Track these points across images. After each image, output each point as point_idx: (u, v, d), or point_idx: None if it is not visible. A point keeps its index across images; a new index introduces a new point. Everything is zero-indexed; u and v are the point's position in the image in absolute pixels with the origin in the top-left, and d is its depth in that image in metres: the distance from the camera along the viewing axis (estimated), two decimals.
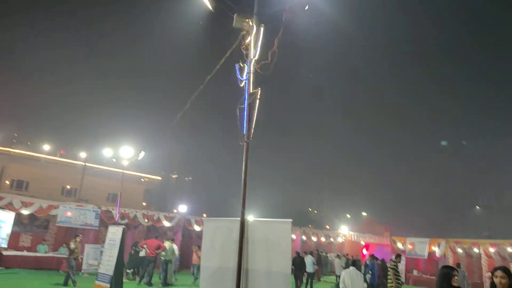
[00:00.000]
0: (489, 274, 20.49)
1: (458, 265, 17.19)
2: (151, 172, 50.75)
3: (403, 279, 22.82)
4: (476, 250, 23.47)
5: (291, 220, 4.30)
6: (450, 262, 24.01)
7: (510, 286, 3.98)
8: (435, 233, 33.58)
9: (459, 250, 24.17)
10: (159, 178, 53.61)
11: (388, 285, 11.52)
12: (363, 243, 30.22)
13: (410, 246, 26.34)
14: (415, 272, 25.61)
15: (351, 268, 9.50)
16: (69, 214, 17.87)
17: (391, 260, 12.15)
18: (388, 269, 11.66)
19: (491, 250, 22.49)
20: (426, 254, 24.73)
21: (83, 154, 35.54)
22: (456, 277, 4.45)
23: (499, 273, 4.03)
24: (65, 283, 13.23)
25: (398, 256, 12.60)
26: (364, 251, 28.93)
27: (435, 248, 24.92)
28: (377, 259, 12.40)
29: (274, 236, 4.33)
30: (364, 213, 66.39)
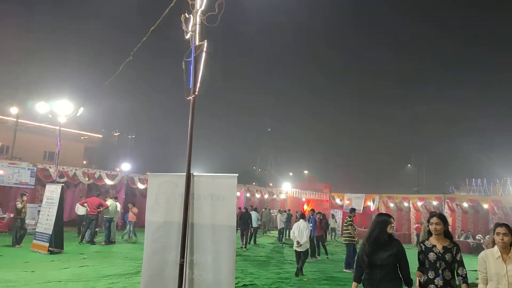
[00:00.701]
0: (417, 225, 22.37)
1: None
2: (92, 130, 48.62)
3: (340, 232, 24.36)
4: (406, 204, 25.43)
5: (237, 174, 4.36)
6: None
7: (445, 232, 4.17)
8: (370, 190, 35.78)
9: (391, 205, 26.06)
10: (100, 136, 51.57)
11: (345, 239, 12.09)
12: (304, 199, 31.58)
13: (347, 202, 27.99)
14: None
15: (301, 220, 10.56)
16: (1, 172, 16.85)
17: (348, 216, 12.73)
18: (346, 224, 12.24)
19: (419, 203, 24.48)
20: (361, 208, 26.42)
21: (14, 109, 33.09)
22: (392, 225, 4.36)
23: (434, 219, 4.15)
24: (18, 243, 12.81)
25: (353, 210, 13.29)
26: (305, 207, 30.30)
27: (370, 203, 26.71)
28: (302, 215, 13.10)
29: (219, 191, 4.37)
30: (306, 172, 69.01)
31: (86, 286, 7.82)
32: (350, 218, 12.36)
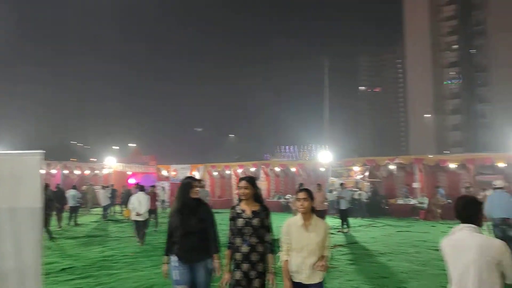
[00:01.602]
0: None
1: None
2: None
3: (168, 203, 24.56)
4: (228, 171, 27.20)
5: (42, 151, 3.89)
6: (207, 184, 27.22)
7: (255, 195, 3.96)
8: (196, 160, 36.95)
9: (215, 173, 27.53)
10: None
11: None
12: (130, 173, 30.59)
13: (174, 173, 28.31)
14: None
15: (140, 192, 11.17)
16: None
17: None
18: None
19: (239, 170, 26.50)
20: None
21: None
22: (196, 189, 4.13)
23: (242, 183, 3.95)
24: None
25: (200, 181, 13.39)
26: (131, 181, 29.41)
27: (195, 173, 27.60)
28: (141, 187, 12.91)
29: (20, 170, 3.85)
30: (131, 144, 66.61)
31: None
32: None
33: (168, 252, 4.11)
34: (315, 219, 3.67)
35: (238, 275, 3.80)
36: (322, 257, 3.59)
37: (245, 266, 3.80)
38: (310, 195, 3.69)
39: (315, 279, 3.59)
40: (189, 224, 4.01)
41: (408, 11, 66.91)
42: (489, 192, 12.59)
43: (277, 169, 25.78)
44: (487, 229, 8.14)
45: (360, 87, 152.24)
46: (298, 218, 3.68)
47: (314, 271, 3.56)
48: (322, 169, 23.43)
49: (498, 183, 8.51)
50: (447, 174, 21.81)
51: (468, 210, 2.77)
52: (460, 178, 21.34)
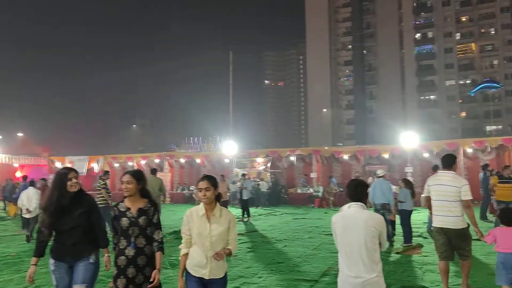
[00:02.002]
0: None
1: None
2: None
3: None
4: (130, 163, 26.13)
5: None
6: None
7: (142, 190, 3.65)
8: (95, 151, 34.85)
9: (116, 165, 26.28)
10: None
11: (100, 202, 11.37)
12: (16, 165, 27.74)
13: (69, 165, 26.27)
14: None
15: (30, 188, 10.67)
16: None
17: (100, 178, 12.05)
18: (98, 187, 11.58)
19: (143, 162, 25.65)
20: (85, 170, 25.48)
21: None
22: (74, 181, 3.62)
23: (125, 177, 3.60)
24: None
25: (107, 173, 12.49)
26: (18, 174, 26.70)
27: (94, 164, 26.06)
28: (31, 181, 11.84)
29: None
30: (20, 134, 60.33)
31: None
32: (103, 181, 11.84)
33: (37, 253, 3.61)
34: (219, 209, 3.36)
35: (121, 283, 3.43)
36: (225, 249, 3.28)
37: (130, 271, 3.44)
38: (213, 183, 3.33)
39: (218, 274, 3.29)
40: (65, 221, 3.54)
41: (310, 10, 70.46)
42: (371, 180, 13.99)
43: (182, 160, 25.51)
44: None
45: (265, 81, 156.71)
46: (200, 208, 3.36)
47: (217, 265, 3.25)
48: (227, 160, 23.76)
49: (380, 172, 9.51)
50: (341, 164, 23.64)
51: (357, 191, 3.22)
52: (351, 168, 23.30)
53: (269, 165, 23.12)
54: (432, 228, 5.55)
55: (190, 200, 21.95)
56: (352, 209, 3.15)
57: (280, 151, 22.99)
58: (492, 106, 55.97)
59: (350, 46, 68.35)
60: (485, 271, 6.50)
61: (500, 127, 56.01)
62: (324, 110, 63.88)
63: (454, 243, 5.03)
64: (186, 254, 3.34)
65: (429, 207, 5.31)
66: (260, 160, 23.34)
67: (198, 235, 3.28)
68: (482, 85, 24.04)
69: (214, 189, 3.33)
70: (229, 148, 22.48)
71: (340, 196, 19.94)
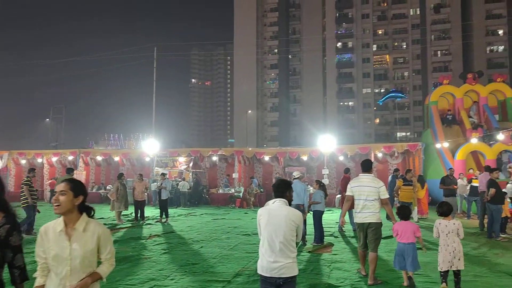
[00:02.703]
0: (51, 181, 21.80)
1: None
2: None
3: None
4: (40, 160, 24.18)
5: None
6: (13, 174, 23.71)
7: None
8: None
9: (23, 161, 24.15)
10: None
11: (22, 200, 10.20)
12: None
13: None
14: None
15: None
16: None
17: (26, 176, 10.81)
18: (22, 185, 10.33)
19: (54, 159, 23.87)
20: None
21: None
22: None
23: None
24: None
25: (32, 170, 11.19)
26: None
27: None
28: None
29: None
30: None
31: None
32: (28, 178, 10.66)
33: None
34: (84, 221, 2.59)
35: None
36: (90, 276, 2.54)
37: None
38: (72, 186, 2.58)
39: None
40: None
41: (238, 13, 71.00)
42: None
43: (99, 158, 24.17)
44: None
45: (192, 80, 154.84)
46: (58, 222, 2.57)
47: None
48: (147, 159, 23.00)
49: (296, 173, 9.81)
50: (262, 165, 24.07)
51: (282, 188, 3.63)
52: (272, 169, 23.84)
53: (191, 164, 22.82)
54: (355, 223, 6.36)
55: (106, 200, 20.84)
56: (276, 204, 3.53)
57: (202, 151, 22.79)
58: (402, 114, 60.89)
59: (276, 50, 70.10)
60: (386, 267, 7.01)
61: (408, 133, 61.07)
62: (249, 111, 64.77)
63: (369, 235, 5.88)
64: (42, 286, 2.57)
65: (351, 205, 6.08)
66: (182, 159, 22.93)
67: (55, 258, 2.49)
68: (389, 95, 26.18)
69: (73, 194, 2.55)
70: (150, 146, 21.76)
71: (260, 196, 20.29)
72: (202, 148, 24.41)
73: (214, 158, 23.53)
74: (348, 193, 6.10)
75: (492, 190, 9.57)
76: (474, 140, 17.59)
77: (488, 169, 11.48)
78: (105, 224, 12.94)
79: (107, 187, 22.52)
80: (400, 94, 26.53)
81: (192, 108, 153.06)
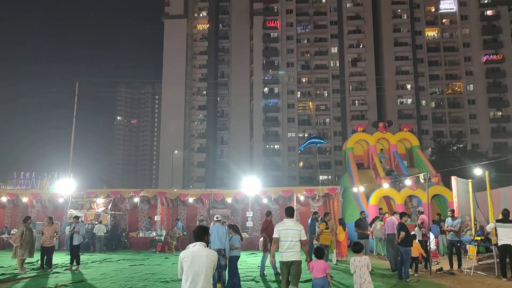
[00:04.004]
0: None
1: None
2: None
3: None
4: None
5: None
6: None
7: None
8: None
9: None
10: None
11: None
12: None
13: None
14: None
15: None
16: None
17: None
18: None
19: None
20: None
21: None
22: None
23: None
24: None
25: None
26: None
27: None
28: None
29: None
30: None
31: None
32: None
33: None
34: None
35: None
36: None
37: None
38: None
39: None
40: None
41: (168, 53, 71.29)
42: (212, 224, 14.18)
43: (4, 199, 21.95)
44: None
45: (118, 117, 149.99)
46: None
47: None
48: (61, 200, 21.37)
49: (217, 216, 9.70)
50: (186, 208, 23.49)
51: (200, 233, 4.57)
52: (197, 211, 23.35)
53: (109, 206, 21.57)
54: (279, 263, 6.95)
55: (9, 246, 18.76)
56: (196, 247, 4.40)
57: (123, 192, 21.75)
58: (324, 158, 63.89)
59: (205, 92, 70.91)
60: None
61: (329, 177, 63.91)
62: (176, 151, 63.83)
63: (292, 272, 6.63)
64: None
65: (276, 247, 6.80)
66: (100, 200, 21.59)
67: None
68: (309, 141, 27.42)
69: None
70: (64, 186, 20.25)
71: (183, 240, 19.63)
72: (123, 189, 23.30)
73: (136, 200, 22.53)
74: (275, 235, 6.84)
75: (402, 234, 10.22)
76: (385, 185, 18.85)
77: (397, 213, 12.31)
78: (3, 274, 11.60)
79: (12, 232, 20.40)
80: (320, 140, 27.86)
81: (116, 147, 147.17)
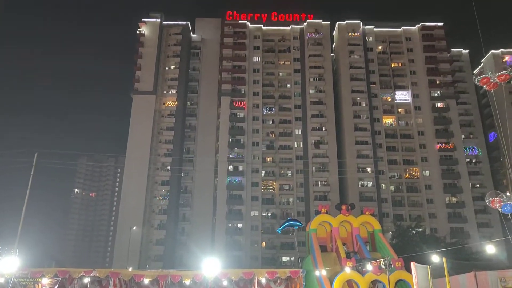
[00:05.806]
0: None
1: None
2: None
3: None
4: None
5: None
6: None
7: None
8: None
9: None
10: None
11: None
12: None
13: None
14: None
15: None
16: None
17: None
18: None
19: None
20: None
21: None
22: None
23: None
24: None
25: None
26: None
27: None
28: None
29: None
30: None
31: None
32: None
33: None
34: None
35: None
36: None
37: None
38: None
39: None
40: None
41: (134, 127, 71.45)
42: None
43: None
44: None
45: (75, 189, 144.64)
46: None
47: None
48: (2, 280, 19.52)
49: None
50: None
51: None
52: None
53: (56, 287, 19.87)
54: None
55: None
56: None
57: (72, 272, 20.24)
58: (287, 239, 62.94)
59: (169, 167, 70.31)
60: None
61: (292, 258, 62.49)
62: (134, 227, 61.18)
63: None
64: None
65: None
66: (46, 281, 19.90)
67: None
68: (287, 223, 27.60)
69: None
70: (6, 265, 18.62)
71: None
72: (73, 269, 21.74)
73: (86, 281, 20.95)
74: None
75: None
76: (347, 269, 18.62)
77: None
78: None
79: None
80: (297, 223, 27.91)
81: (71, 220, 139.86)
